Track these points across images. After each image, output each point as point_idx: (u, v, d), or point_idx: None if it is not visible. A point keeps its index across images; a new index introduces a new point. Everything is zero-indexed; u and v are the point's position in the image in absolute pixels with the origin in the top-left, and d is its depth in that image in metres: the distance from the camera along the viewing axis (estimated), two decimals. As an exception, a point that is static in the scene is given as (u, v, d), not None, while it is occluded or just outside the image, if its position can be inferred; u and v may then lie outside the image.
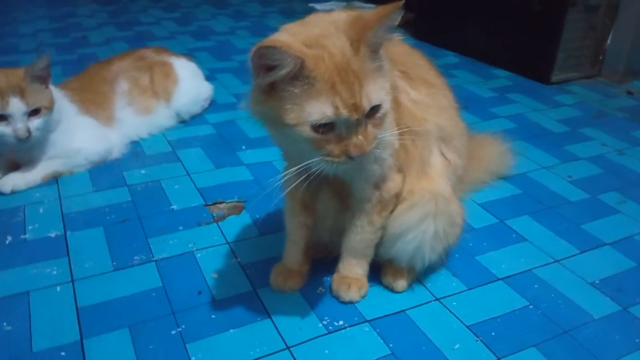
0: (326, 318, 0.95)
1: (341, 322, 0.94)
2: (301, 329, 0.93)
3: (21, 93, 1.23)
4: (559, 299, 1.00)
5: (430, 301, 0.99)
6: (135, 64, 1.60)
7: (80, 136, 1.39)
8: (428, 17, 2.58)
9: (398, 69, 0.90)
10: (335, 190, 0.95)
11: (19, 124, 1.23)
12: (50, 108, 1.29)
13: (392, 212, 0.94)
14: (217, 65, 2.21)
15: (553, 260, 1.10)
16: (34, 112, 1.26)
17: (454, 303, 0.99)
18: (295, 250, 1.01)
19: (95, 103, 1.47)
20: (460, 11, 2.38)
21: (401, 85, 0.91)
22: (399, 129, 0.87)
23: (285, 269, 1.01)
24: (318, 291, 1.01)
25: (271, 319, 0.95)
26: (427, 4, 2.57)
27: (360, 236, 0.95)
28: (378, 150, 0.80)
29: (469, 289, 1.02)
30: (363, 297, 0.99)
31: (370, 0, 3.17)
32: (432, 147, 0.94)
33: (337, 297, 0.99)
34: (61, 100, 1.36)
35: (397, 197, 0.93)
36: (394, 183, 0.91)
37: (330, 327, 0.93)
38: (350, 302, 0.98)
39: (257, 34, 2.69)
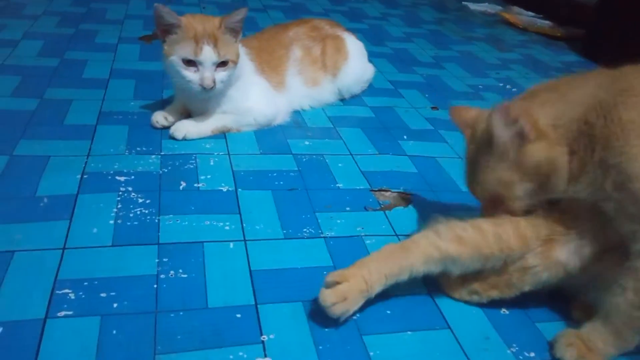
0: (514, 345, 0.85)
1: (532, 354, 0.84)
2: (486, 350, 0.83)
3: (214, 42, 1.21)
4: None
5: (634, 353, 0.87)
6: (310, 34, 1.56)
7: (254, 96, 1.37)
8: (599, 35, 2.37)
9: None
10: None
11: (207, 73, 1.22)
12: (236, 62, 1.27)
13: None
14: (371, 49, 2.13)
15: None
16: (222, 64, 1.24)
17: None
18: None
19: (270, 65, 1.44)
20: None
21: None
22: None
23: (450, 277, 0.90)
24: (502, 312, 0.92)
25: (451, 330, 0.86)
26: (601, 22, 2.36)
27: (617, 301, 0.74)
28: None
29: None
30: None
31: (531, 7, 2.97)
32: None
33: (560, 357, 0.81)
34: (243, 56, 1.34)
35: None
36: None
37: (520, 357, 0.83)
38: None
39: (409, 23, 2.60)
